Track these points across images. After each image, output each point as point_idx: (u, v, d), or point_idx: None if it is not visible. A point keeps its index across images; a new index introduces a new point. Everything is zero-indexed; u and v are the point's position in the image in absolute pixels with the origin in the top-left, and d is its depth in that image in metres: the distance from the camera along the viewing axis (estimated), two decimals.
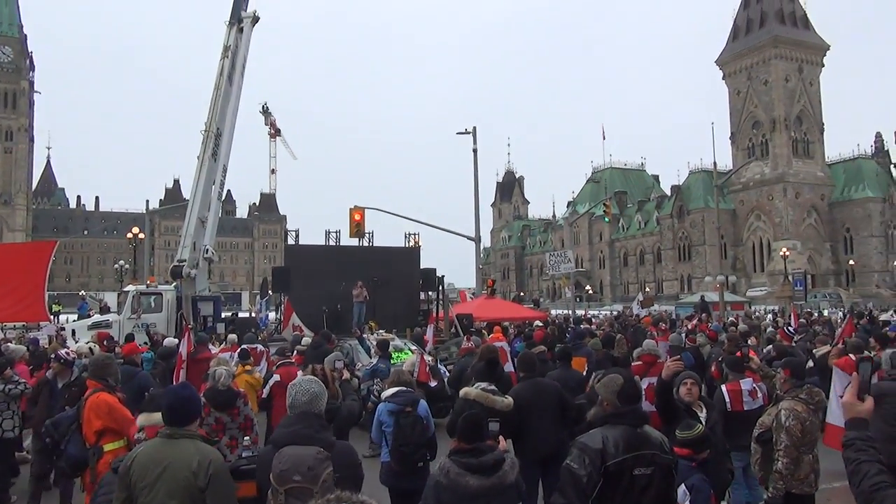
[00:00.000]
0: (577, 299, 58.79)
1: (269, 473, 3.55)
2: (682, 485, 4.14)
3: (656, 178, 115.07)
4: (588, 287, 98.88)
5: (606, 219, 48.99)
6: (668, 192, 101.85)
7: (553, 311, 48.15)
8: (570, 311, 31.20)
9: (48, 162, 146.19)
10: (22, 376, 9.71)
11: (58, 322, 26.45)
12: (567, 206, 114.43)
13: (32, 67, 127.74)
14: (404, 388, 6.10)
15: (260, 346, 12.29)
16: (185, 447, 3.58)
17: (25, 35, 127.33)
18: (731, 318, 24.30)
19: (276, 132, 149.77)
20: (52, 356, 9.12)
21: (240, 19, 22.98)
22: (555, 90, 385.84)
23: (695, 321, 23.79)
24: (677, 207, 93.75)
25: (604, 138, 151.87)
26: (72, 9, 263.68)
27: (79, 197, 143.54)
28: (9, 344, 12.52)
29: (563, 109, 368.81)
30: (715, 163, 50.04)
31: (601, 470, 3.38)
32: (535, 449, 5.92)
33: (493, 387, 6.03)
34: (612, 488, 3.39)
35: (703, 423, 5.22)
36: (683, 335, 15.22)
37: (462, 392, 6.03)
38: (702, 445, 4.59)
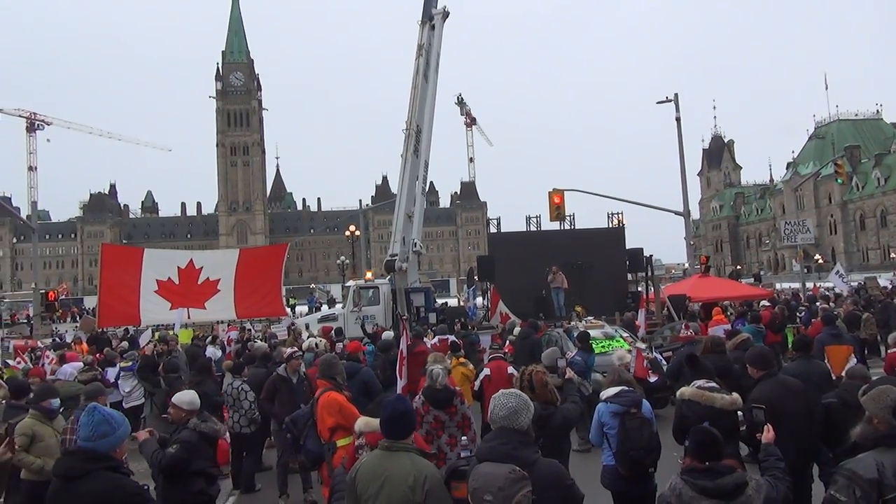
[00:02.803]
0: (806, 270, 52.84)
1: None
2: None
3: None
4: (817, 256, 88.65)
5: (839, 179, 43.34)
6: None
7: (778, 286, 43.69)
8: (801, 286, 28.12)
9: (277, 170, 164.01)
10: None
11: (293, 315, 29.62)
12: (787, 168, 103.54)
13: (260, 88, 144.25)
14: (627, 388, 5.76)
15: (452, 337, 12.63)
16: (402, 461, 3.66)
17: (252, 59, 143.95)
18: None
19: (471, 121, 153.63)
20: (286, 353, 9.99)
21: (430, 17, 23.67)
22: (764, 41, 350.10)
23: None
24: None
25: (826, 88, 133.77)
26: (283, 23, 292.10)
27: (304, 199, 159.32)
28: (255, 342, 14.16)
29: (774, 62, 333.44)
30: None
31: None
32: (785, 459, 5.22)
33: (711, 383, 5.47)
34: None
35: None
36: None
37: (678, 392, 5.54)
38: None
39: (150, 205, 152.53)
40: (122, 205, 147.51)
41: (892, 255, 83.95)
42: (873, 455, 2.97)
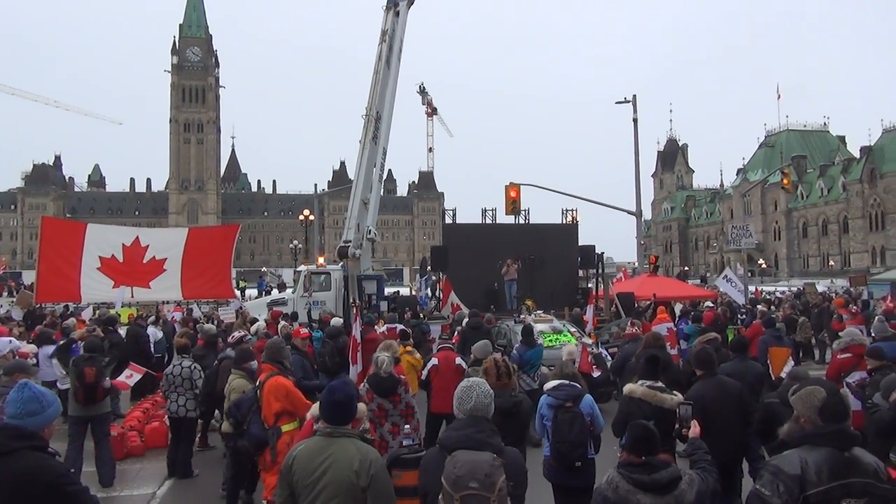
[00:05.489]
0: (749, 274, 54.53)
1: (435, 476, 3.46)
2: None
3: (842, 139, 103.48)
4: (761, 261, 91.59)
5: (784, 186, 44.78)
6: (857, 155, 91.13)
7: (722, 288, 44.88)
8: (743, 289, 28.94)
9: (233, 150, 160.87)
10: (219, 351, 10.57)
11: (243, 297, 29.11)
12: (737, 174, 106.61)
13: (217, 65, 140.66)
14: (567, 382, 5.83)
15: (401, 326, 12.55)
16: (345, 446, 3.58)
17: (211, 35, 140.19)
18: None
19: (432, 111, 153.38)
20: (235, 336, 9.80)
21: (396, 3, 23.41)
22: (721, 49, 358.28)
23: (889, 301, 21.14)
24: (868, 171, 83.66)
25: (778, 98, 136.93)
26: (243, 5, 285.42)
27: (259, 181, 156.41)
28: (202, 324, 13.85)
29: (730, 69, 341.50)
30: None
31: (799, 500, 2.93)
32: (717, 455, 5.40)
33: (659, 384, 5.61)
34: None
35: None
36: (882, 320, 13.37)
37: (626, 389, 5.65)
38: None
39: (97, 179, 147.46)
40: (66, 177, 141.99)
41: (831, 263, 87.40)
42: (798, 452, 3.08)
